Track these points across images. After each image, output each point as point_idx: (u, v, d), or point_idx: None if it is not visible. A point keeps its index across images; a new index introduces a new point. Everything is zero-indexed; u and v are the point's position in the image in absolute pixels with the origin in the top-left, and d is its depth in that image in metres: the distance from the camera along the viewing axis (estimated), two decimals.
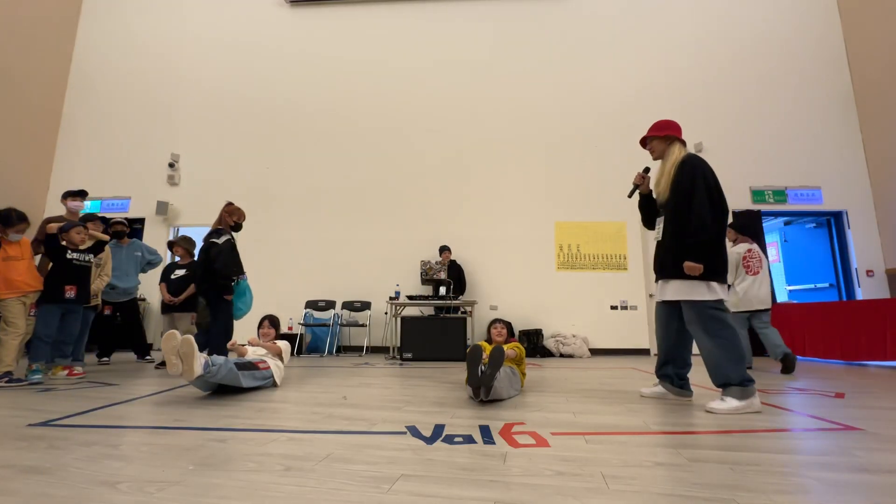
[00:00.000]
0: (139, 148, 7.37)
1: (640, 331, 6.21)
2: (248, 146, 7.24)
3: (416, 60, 7.33)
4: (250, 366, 2.74)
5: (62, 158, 7.51)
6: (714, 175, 2.37)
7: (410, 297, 5.57)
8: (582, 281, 6.44)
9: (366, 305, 6.40)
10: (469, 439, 1.64)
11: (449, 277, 5.72)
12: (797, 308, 5.55)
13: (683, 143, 2.56)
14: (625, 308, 6.31)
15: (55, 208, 7.19)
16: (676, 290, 2.39)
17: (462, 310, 5.67)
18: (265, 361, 2.91)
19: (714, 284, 2.30)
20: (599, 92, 6.98)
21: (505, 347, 2.62)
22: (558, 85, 7.06)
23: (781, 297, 6.95)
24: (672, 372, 2.59)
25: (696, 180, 2.32)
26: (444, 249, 6.10)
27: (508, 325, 3.04)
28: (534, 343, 5.98)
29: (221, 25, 7.73)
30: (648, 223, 2.71)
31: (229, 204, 4.12)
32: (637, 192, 2.74)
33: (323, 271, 6.54)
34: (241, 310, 3.84)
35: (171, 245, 4.45)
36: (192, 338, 2.31)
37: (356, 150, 7.10)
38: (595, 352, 6.10)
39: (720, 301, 2.30)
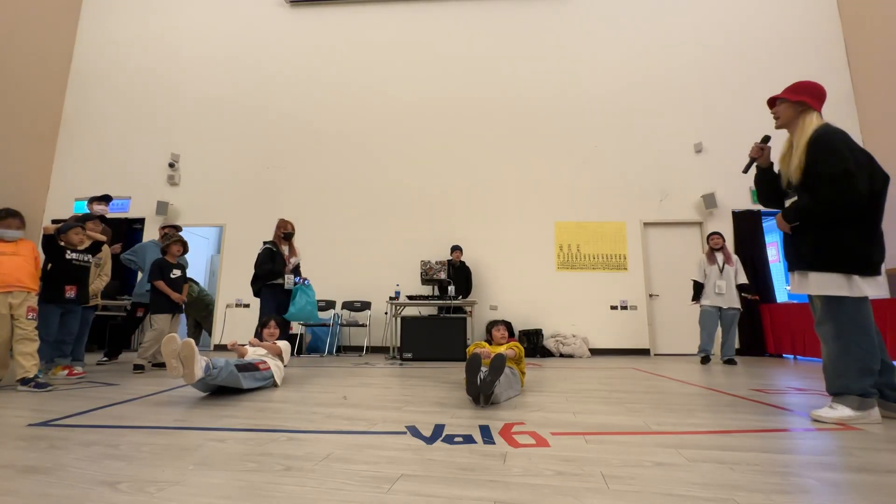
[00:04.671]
0: (139, 148, 7.37)
1: (641, 331, 6.21)
2: (248, 146, 7.24)
3: (416, 60, 7.33)
4: (251, 367, 2.74)
5: (62, 158, 7.51)
6: (858, 148, 1.97)
7: (410, 297, 5.57)
8: (582, 281, 6.44)
9: (366, 305, 6.40)
10: (469, 439, 1.64)
11: (456, 278, 5.73)
12: (797, 308, 5.55)
13: (819, 113, 2.10)
14: (625, 308, 6.31)
15: (55, 208, 7.20)
16: (818, 284, 1.98)
17: (463, 309, 5.67)
18: (265, 362, 2.91)
19: (856, 278, 1.89)
20: (599, 92, 6.98)
21: (504, 348, 2.62)
22: (558, 85, 7.06)
23: (781, 298, 6.94)
24: (879, 381, 1.97)
25: (837, 157, 1.91)
26: (455, 249, 6.10)
27: (508, 326, 3.03)
28: (534, 343, 5.98)
29: (221, 25, 7.73)
30: (767, 201, 2.28)
31: (278, 220, 4.73)
32: (754, 165, 2.32)
33: (323, 271, 6.54)
34: (290, 312, 4.05)
35: (166, 246, 4.36)
36: (192, 341, 2.32)
37: (356, 149, 7.10)
38: (595, 352, 6.10)
39: (862, 300, 1.92)
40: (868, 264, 1.92)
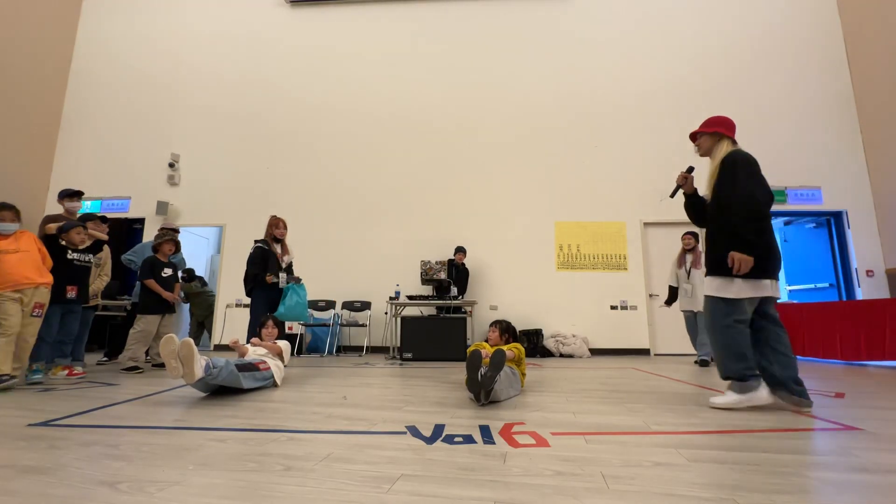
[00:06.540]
0: (139, 148, 7.37)
1: (640, 331, 6.21)
2: (249, 146, 7.24)
3: (417, 60, 7.33)
4: (251, 367, 2.74)
5: (62, 158, 7.50)
6: (754, 170, 2.28)
7: (410, 297, 5.57)
8: (582, 281, 6.44)
9: (366, 305, 6.40)
10: (469, 439, 1.64)
11: (455, 279, 5.72)
12: (797, 308, 5.55)
13: (733, 140, 2.45)
14: (625, 308, 6.31)
15: (55, 208, 7.19)
16: (708, 286, 2.35)
17: (462, 309, 5.68)
18: (265, 362, 2.91)
19: (722, 279, 2.28)
20: (599, 92, 6.98)
21: (504, 349, 2.62)
22: (558, 85, 7.05)
23: (782, 297, 6.94)
24: (784, 374, 2.24)
25: (737, 178, 2.26)
26: (459, 250, 6.10)
27: (509, 326, 3.03)
28: (534, 343, 5.98)
29: (221, 25, 7.73)
30: (698, 221, 2.62)
31: (269, 218, 4.57)
32: (680, 191, 2.63)
33: (323, 271, 6.54)
34: (279, 311, 4.04)
35: (157, 244, 4.34)
36: (191, 340, 2.32)
37: (356, 149, 7.10)
38: (595, 352, 6.10)
39: (726, 298, 2.27)
40: (756, 268, 2.21)
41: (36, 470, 1.29)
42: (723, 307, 2.29)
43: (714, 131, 2.47)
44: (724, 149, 2.41)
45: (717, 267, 2.32)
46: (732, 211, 2.23)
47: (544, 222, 6.65)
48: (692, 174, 2.59)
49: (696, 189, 2.57)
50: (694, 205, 2.58)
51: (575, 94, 7.00)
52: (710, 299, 2.35)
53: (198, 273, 7.00)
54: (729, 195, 2.28)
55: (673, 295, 5.07)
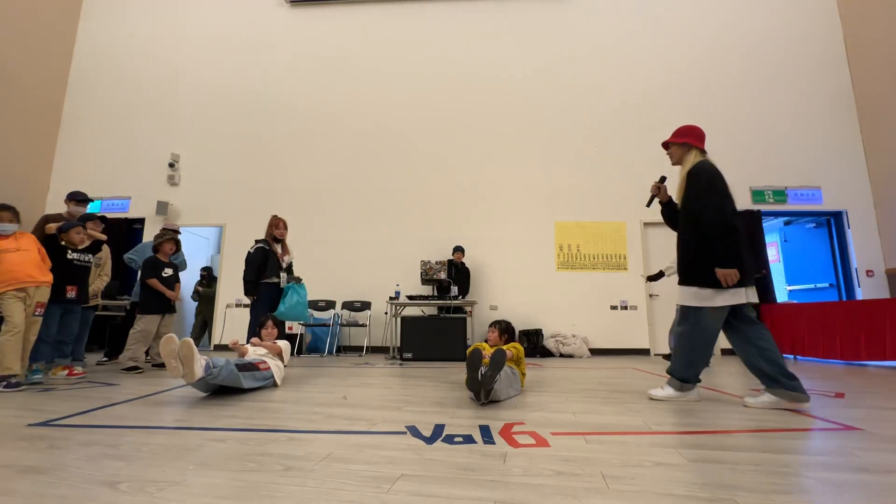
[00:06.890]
0: (139, 148, 7.37)
1: (640, 331, 6.21)
2: (248, 146, 7.24)
3: (416, 60, 7.33)
4: (251, 367, 2.74)
5: (62, 158, 7.51)
6: (718, 182, 2.37)
7: (410, 297, 5.57)
8: (582, 281, 6.44)
9: (366, 305, 6.40)
10: (469, 439, 1.64)
11: (457, 279, 5.72)
12: (797, 308, 5.55)
13: (702, 150, 2.52)
14: (625, 308, 6.31)
15: (55, 208, 7.19)
16: (681, 296, 2.47)
17: (463, 309, 5.67)
18: (265, 362, 2.91)
19: (691, 289, 2.41)
20: (600, 92, 6.98)
21: (504, 349, 2.62)
22: (559, 85, 7.06)
23: (781, 297, 6.94)
24: (773, 370, 2.26)
25: (702, 191, 2.36)
26: (457, 249, 6.10)
27: (508, 326, 3.02)
28: (534, 343, 5.98)
29: (222, 25, 7.73)
30: (674, 227, 2.70)
31: (270, 217, 4.60)
32: (656, 201, 2.72)
33: (323, 271, 6.54)
34: (280, 311, 4.05)
35: (158, 244, 4.33)
36: (191, 340, 2.32)
37: (356, 149, 7.10)
38: (595, 352, 6.09)
39: (694, 307, 2.40)
40: (700, 277, 2.35)
41: (36, 470, 1.29)
42: (691, 315, 2.41)
43: (683, 142, 2.55)
44: (691, 159, 2.49)
45: (687, 276, 2.43)
46: (707, 228, 2.32)
47: (544, 222, 6.65)
48: (664, 184, 2.70)
49: (670, 197, 2.68)
50: (670, 213, 2.68)
51: (575, 94, 7.00)
52: (680, 306, 2.50)
53: (190, 273, 7.00)
54: (695, 206, 2.38)
55: (658, 276, 5.11)
